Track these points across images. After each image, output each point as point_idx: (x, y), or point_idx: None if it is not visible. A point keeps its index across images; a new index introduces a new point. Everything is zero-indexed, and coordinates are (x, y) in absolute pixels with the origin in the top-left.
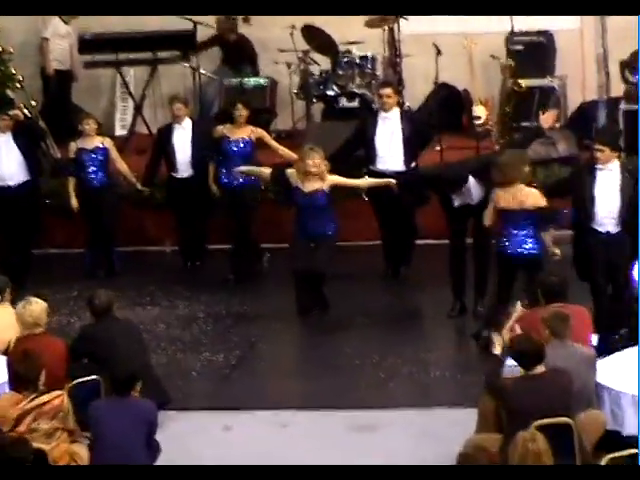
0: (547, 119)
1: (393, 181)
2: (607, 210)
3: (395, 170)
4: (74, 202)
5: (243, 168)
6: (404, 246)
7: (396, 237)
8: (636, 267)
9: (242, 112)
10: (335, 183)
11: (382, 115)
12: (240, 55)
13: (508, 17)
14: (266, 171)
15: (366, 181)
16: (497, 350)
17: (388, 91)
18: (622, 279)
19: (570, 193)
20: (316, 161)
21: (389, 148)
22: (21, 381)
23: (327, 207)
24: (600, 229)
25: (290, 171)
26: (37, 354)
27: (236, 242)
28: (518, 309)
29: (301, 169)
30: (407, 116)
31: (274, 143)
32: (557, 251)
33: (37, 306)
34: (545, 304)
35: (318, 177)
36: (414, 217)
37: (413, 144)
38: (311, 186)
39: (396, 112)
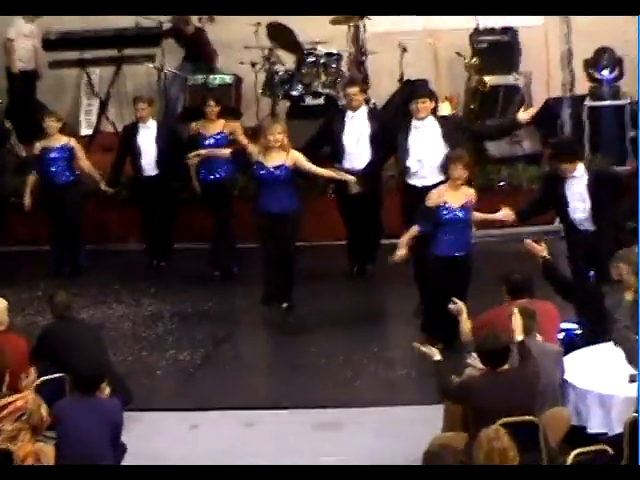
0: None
1: (353, 178)
2: (581, 211)
3: (362, 168)
4: (27, 200)
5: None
6: (370, 245)
7: (362, 236)
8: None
9: (214, 108)
10: (298, 160)
11: (349, 114)
12: (199, 49)
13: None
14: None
15: (327, 171)
16: (437, 357)
17: (355, 90)
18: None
19: (547, 208)
20: (277, 135)
21: (356, 146)
22: None
23: (290, 182)
24: (580, 227)
25: (252, 147)
26: (1, 352)
27: (216, 238)
28: (464, 319)
29: (263, 143)
30: (374, 114)
31: (244, 139)
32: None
33: (1, 305)
34: (511, 300)
35: (281, 150)
36: (379, 216)
37: (380, 142)
38: (274, 160)
39: (363, 110)
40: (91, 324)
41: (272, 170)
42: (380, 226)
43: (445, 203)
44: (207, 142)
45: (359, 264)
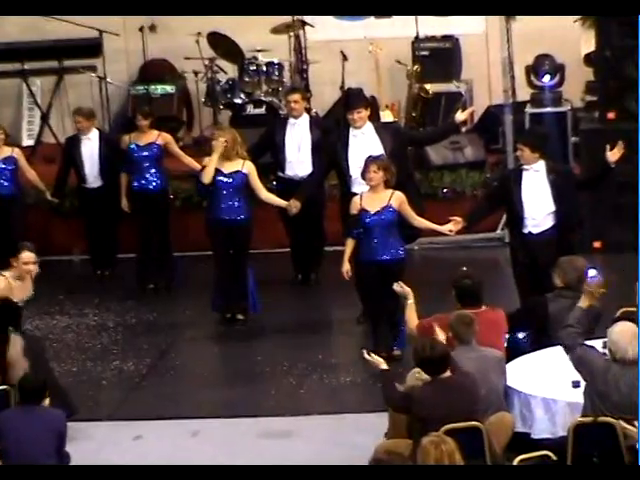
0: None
1: (291, 207)
2: (529, 212)
3: (304, 176)
4: None
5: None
6: (313, 253)
7: (305, 244)
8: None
9: (142, 122)
10: (252, 174)
11: (291, 121)
12: None
13: (413, 22)
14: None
15: (269, 196)
16: (383, 366)
17: (296, 97)
18: (545, 281)
19: (496, 208)
20: (221, 139)
21: (297, 154)
22: None
23: (244, 190)
24: (525, 230)
25: (206, 159)
26: None
27: (152, 249)
28: (410, 304)
29: (215, 149)
30: (316, 122)
31: (178, 150)
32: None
33: None
34: (460, 307)
35: (237, 158)
36: (322, 224)
37: (322, 150)
38: (231, 167)
39: (305, 118)
40: (33, 335)
41: (229, 176)
42: (323, 234)
43: (364, 209)
44: (140, 154)
45: (303, 272)
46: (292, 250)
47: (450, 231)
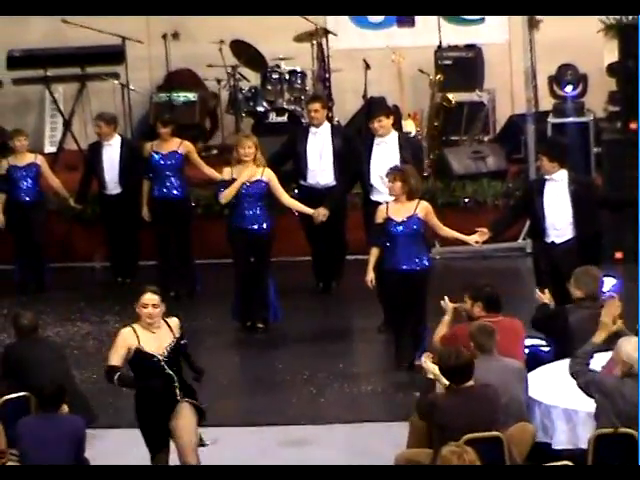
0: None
1: (318, 215)
2: (551, 222)
3: (325, 185)
4: (0, 219)
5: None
6: (335, 262)
7: (326, 253)
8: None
9: (162, 130)
10: (272, 181)
11: (312, 130)
12: None
13: (436, 31)
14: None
15: (292, 202)
16: (431, 375)
17: (316, 105)
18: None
19: (520, 217)
20: (247, 149)
21: (319, 162)
22: None
23: (264, 198)
24: (547, 240)
25: (226, 169)
26: None
27: (172, 256)
28: (445, 320)
29: (235, 158)
30: (338, 131)
31: (199, 160)
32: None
33: None
34: (478, 315)
35: (255, 166)
36: (344, 233)
37: (344, 159)
38: (250, 176)
39: (327, 127)
40: (54, 342)
41: (248, 185)
42: (345, 243)
43: (390, 218)
44: (161, 162)
45: (324, 281)
46: (313, 258)
47: (476, 242)
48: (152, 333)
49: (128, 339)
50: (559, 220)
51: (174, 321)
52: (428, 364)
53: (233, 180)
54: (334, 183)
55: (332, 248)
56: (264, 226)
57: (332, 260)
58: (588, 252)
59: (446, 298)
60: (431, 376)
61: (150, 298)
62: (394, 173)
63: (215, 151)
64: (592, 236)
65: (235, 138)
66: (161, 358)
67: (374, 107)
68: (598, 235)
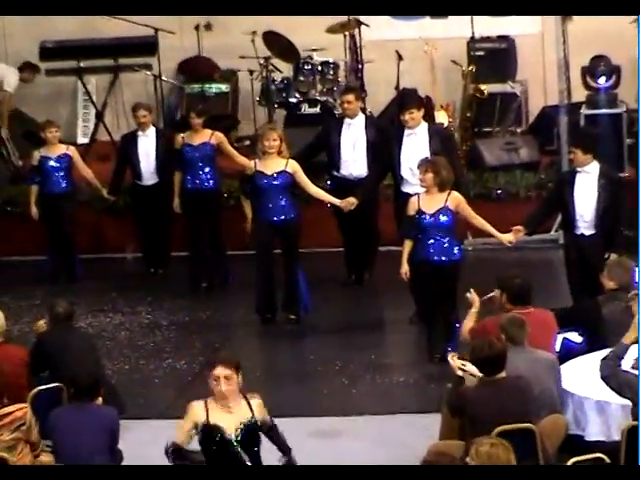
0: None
1: (347, 204)
2: (580, 213)
3: (358, 176)
4: (34, 210)
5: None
6: (367, 253)
7: (359, 244)
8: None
9: (195, 120)
10: (297, 172)
11: (347, 121)
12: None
13: (469, 22)
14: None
15: (319, 192)
16: (460, 372)
17: (350, 97)
18: (598, 283)
19: (554, 212)
20: (272, 142)
21: (352, 154)
22: None
23: (289, 189)
24: (577, 232)
25: (245, 161)
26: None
27: (204, 248)
28: (472, 312)
29: (260, 149)
30: (372, 122)
31: (231, 150)
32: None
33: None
34: (509, 308)
35: (279, 158)
36: (376, 224)
37: (378, 150)
38: (273, 167)
39: (361, 118)
40: (86, 332)
41: (272, 177)
42: (377, 234)
43: (421, 210)
44: (193, 153)
45: (356, 272)
46: (345, 250)
47: (509, 242)
48: (226, 409)
49: (196, 414)
50: (588, 212)
51: (256, 402)
52: (455, 361)
53: (257, 172)
54: (367, 175)
55: (364, 239)
56: (291, 216)
57: (364, 251)
58: (611, 246)
59: (472, 290)
60: (459, 373)
61: (222, 372)
62: (425, 165)
63: (247, 142)
64: (614, 231)
65: (261, 129)
66: (233, 438)
67: (405, 99)
68: (621, 231)
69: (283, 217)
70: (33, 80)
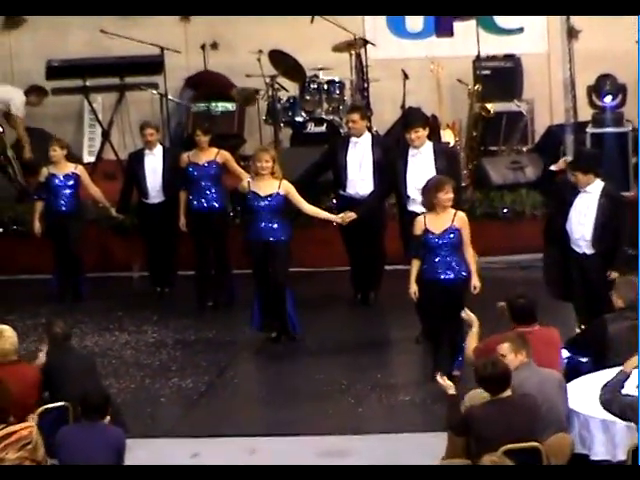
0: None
1: (339, 220)
2: (581, 232)
3: (364, 195)
4: (37, 227)
5: None
6: (373, 272)
7: (365, 263)
8: None
9: (201, 138)
10: (290, 192)
11: (353, 140)
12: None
13: (475, 41)
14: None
15: (314, 210)
16: (451, 390)
17: (355, 116)
18: (601, 302)
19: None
20: (264, 163)
21: (359, 173)
22: None
23: (282, 211)
24: (579, 250)
25: (243, 183)
26: (8, 384)
27: (210, 266)
28: (473, 332)
29: (253, 170)
30: (378, 141)
31: (237, 168)
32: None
33: (11, 338)
34: (514, 326)
35: (272, 179)
36: (382, 243)
37: (384, 169)
38: (266, 189)
39: (367, 137)
40: (85, 353)
41: (265, 199)
42: (383, 254)
43: (428, 229)
44: (199, 173)
45: (362, 292)
46: (352, 269)
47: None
48: None
49: None
50: (588, 231)
51: None
52: (444, 381)
53: (251, 193)
54: (371, 192)
55: (370, 259)
56: (282, 239)
57: (370, 271)
58: (612, 265)
59: (466, 310)
60: (451, 391)
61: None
62: (432, 185)
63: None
64: (615, 250)
65: (255, 150)
66: None
67: (411, 117)
68: (620, 250)
69: (272, 239)
70: (41, 103)
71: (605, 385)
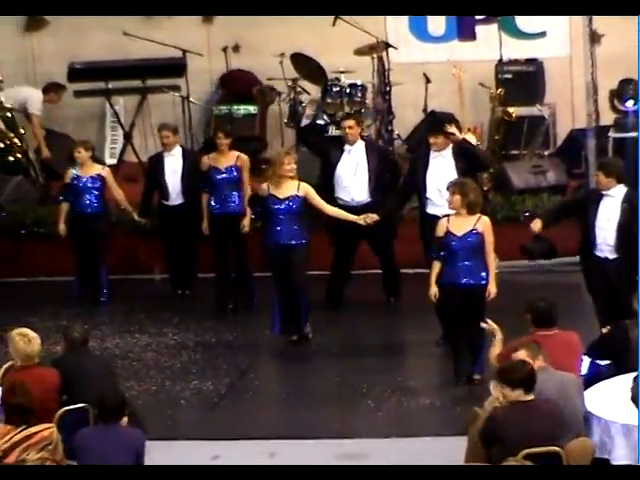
0: None
1: (361, 220)
2: (603, 236)
3: (359, 201)
4: (62, 228)
5: None
6: (388, 279)
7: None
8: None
9: (223, 140)
10: (309, 193)
11: (347, 147)
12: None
13: (497, 45)
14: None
15: (335, 210)
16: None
17: (351, 122)
18: (623, 306)
19: (576, 215)
20: (292, 165)
21: (354, 179)
22: (17, 413)
23: (300, 213)
24: (601, 255)
25: (262, 186)
26: (31, 387)
27: (230, 269)
28: (498, 339)
29: (276, 173)
30: (373, 147)
31: (247, 178)
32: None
33: (36, 341)
34: (534, 330)
35: (291, 180)
36: (392, 252)
37: (380, 176)
38: (286, 192)
39: (360, 144)
40: (102, 356)
41: (285, 201)
42: (393, 262)
43: (450, 232)
44: (218, 175)
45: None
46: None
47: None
48: None
49: None
50: (611, 236)
51: None
52: (496, 391)
53: (270, 196)
54: (368, 200)
55: (384, 266)
56: (301, 242)
57: (386, 277)
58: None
59: (488, 321)
60: (497, 403)
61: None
62: (453, 186)
63: None
64: (635, 255)
65: (276, 154)
66: None
67: (436, 122)
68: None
69: (292, 242)
70: (59, 101)
71: (635, 378)
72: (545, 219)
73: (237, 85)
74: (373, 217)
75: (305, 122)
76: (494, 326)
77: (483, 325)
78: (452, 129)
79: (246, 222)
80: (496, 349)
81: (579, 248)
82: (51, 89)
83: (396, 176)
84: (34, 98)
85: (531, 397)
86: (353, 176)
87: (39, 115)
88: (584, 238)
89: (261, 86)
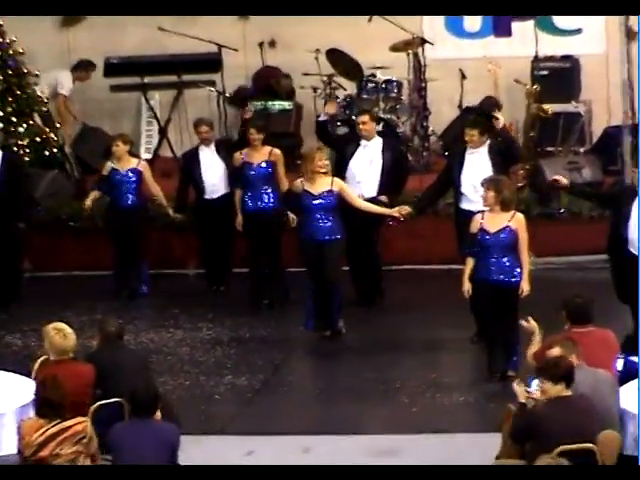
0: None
1: (396, 212)
2: (636, 232)
3: (370, 197)
4: (88, 204)
5: None
6: (369, 276)
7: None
8: None
9: (255, 136)
10: (343, 189)
11: (363, 143)
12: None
13: (533, 41)
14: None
15: (367, 205)
16: (522, 399)
17: (365, 118)
18: None
19: (609, 208)
20: (324, 161)
21: (367, 175)
22: (48, 407)
23: (335, 208)
24: (634, 251)
25: (296, 182)
26: (64, 381)
27: (264, 265)
28: (536, 338)
29: (309, 169)
30: (388, 144)
31: (282, 172)
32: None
33: (72, 336)
34: (570, 326)
35: (325, 177)
36: (375, 247)
37: (392, 174)
38: (320, 187)
39: (378, 140)
40: (137, 350)
41: (319, 197)
42: (378, 257)
43: (483, 228)
44: (252, 171)
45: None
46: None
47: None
48: None
49: None
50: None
51: None
52: (520, 387)
53: (304, 192)
54: (374, 196)
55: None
56: (337, 237)
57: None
58: None
59: (530, 319)
60: (523, 400)
61: None
62: (487, 183)
63: None
64: None
65: (309, 150)
66: None
67: (469, 118)
68: None
69: (327, 237)
70: (89, 78)
71: None
72: (580, 190)
73: (266, 82)
74: (407, 209)
75: (323, 117)
76: (533, 325)
77: (523, 323)
78: (498, 114)
79: (290, 218)
80: (534, 348)
81: (607, 244)
82: (81, 67)
83: (402, 169)
84: (63, 78)
85: (570, 393)
86: (366, 172)
87: (66, 95)
88: (613, 233)
89: (279, 78)
